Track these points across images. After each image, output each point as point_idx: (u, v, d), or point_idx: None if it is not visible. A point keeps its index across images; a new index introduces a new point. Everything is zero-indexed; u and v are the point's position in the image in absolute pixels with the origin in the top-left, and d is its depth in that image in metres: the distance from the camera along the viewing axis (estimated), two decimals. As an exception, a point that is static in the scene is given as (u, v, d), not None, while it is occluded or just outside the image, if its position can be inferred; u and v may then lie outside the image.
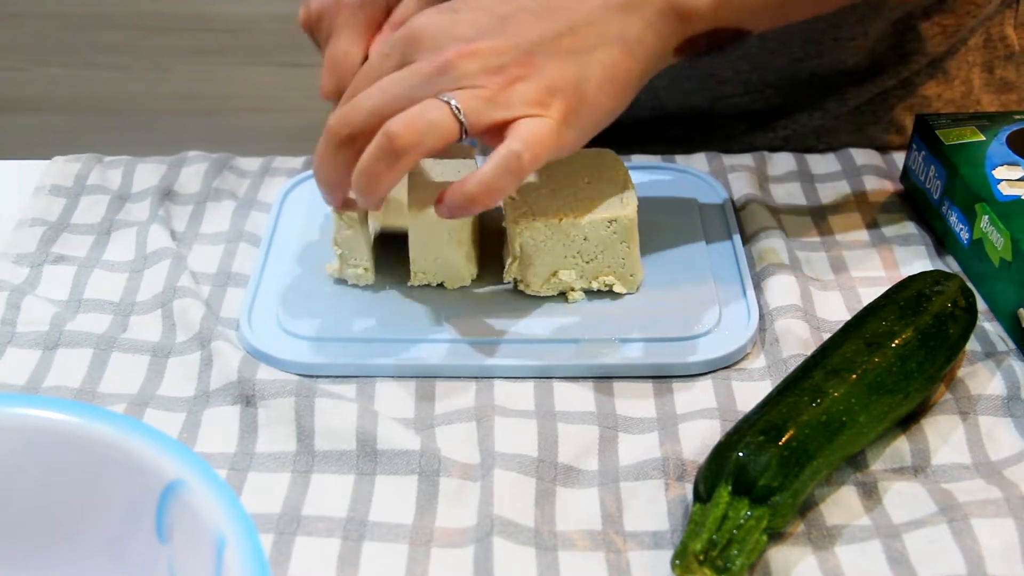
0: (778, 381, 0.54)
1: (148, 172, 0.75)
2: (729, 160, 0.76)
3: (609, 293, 0.62)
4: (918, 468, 0.53)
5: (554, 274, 0.61)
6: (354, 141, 0.54)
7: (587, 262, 0.61)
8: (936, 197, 0.68)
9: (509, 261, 0.62)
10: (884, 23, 0.76)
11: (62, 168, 0.75)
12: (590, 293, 0.63)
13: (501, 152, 0.52)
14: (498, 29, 0.55)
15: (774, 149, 0.80)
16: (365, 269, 0.63)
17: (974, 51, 0.80)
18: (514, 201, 0.62)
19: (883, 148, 0.80)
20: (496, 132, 0.54)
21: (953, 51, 0.79)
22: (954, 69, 0.80)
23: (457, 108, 0.52)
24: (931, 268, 0.63)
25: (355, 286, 0.64)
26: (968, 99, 0.82)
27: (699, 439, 0.54)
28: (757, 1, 0.60)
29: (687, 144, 0.81)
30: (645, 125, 0.82)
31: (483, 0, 0.56)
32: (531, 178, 0.58)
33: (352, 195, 0.56)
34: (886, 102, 0.80)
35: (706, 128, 0.83)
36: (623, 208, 0.60)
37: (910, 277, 0.59)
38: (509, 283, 0.63)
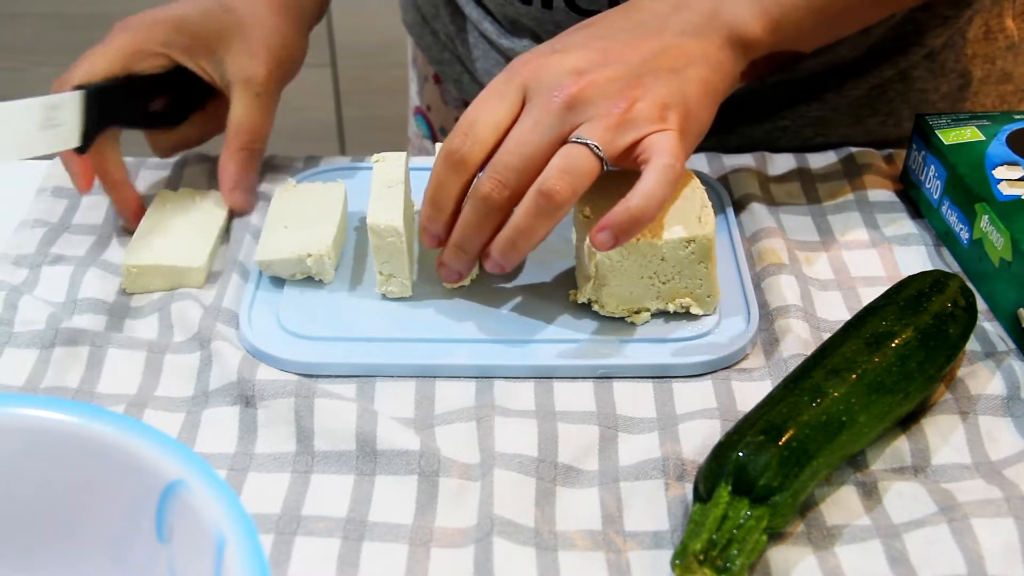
0: (778, 381, 0.54)
1: (150, 173, 0.76)
2: (729, 160, 0.76)
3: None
4: (918, 468, 0.53)
5: (636, 312, 0.60)
6: (512, 202, 0.56)
7: (664, 283, 0.60)
8: (936, 197, 0.68)
9: (582, 282, 0.61)
10: (886, 21, 0.77)
11: (63, 169, 0.75)
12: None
13: (657, 166, 0.55)
14: (603, 58, 0.58)
15: (772, 139, 0.81)
16: (405, 283, 0.62)
17: (973, 43, 0.80)
18: (589, 220, 0.61)
19: (881, 140, 0.80)
20: (627, 153, 0.57)
21: (950, 43, 0.80)
22: (951, 61, 0.80)
23: (596, 146, 0.55)
24: (931, 268, 0.63)
25: (355, 286, 0.64)
26: (966, 91, 0.82)
27: (699, 439, 0.54)
28: (808, 23, 0.64)
29: None
30: None
31: (577, 37, 0.60)
32: (607, 197, 0.58)
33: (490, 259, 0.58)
34: (884, 94, 0.80)
35: None
36: (701, 228, 0.59)
37: (910, 277, 0.59)
38: (509, 284, 0.63)
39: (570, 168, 0.55)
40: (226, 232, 0.69)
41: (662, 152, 0.55)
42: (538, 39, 0.80)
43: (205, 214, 0.69)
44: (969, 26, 0.80)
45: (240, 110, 0.69)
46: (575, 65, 0.57)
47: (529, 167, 0.56)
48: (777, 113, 0.80)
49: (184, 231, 0.67)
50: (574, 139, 0.55)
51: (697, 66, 0.59)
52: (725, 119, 0.83)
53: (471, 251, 0.59)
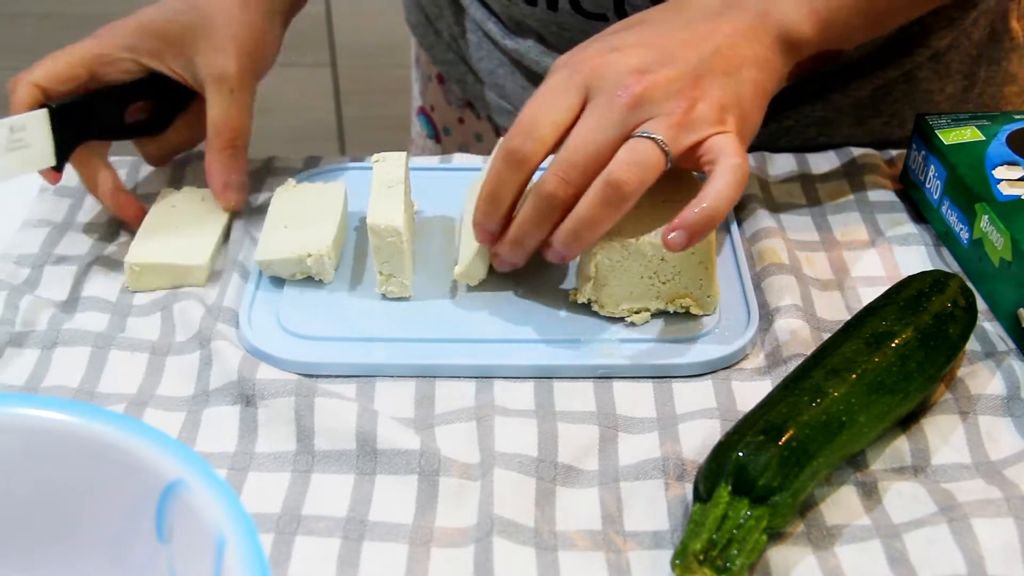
0: (778, 381, 0.54)
1: (152, 171, 0.76)
2: (729, 160, 0.76)
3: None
4: (918, 468, 0.53)
5: (636, 312, 0.60)
6: (575, 199, 0.56)
7: (664, 283, 0.60)
8: (936, 197, 0.68)
9: (582, 282, 0.61)
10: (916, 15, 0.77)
11: (66, 168, 0.75)
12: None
13: (726, 167, 0.55)
14: (663, 58, 0.58)
15: (775, 139, 0.81)
16: (405, 283, 0.62)
17: (979, 44, 0.81)
18: None
19: (884, 141, 0.80)
20: (689, 154, 0.57)
21: (955, 44, 0.80)
22: (956, 62, 0.80)
23: (663, 142, 0.55)
24: (931, 268, 0.63)
25: (355, 286, 0.64)
26: (970, 92, 0.82)
27: (699, 439, 0.54)
28: (855, 21, 0.65)
29: None
30: None
31: (632, 35, 0.60)
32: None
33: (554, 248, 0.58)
34: (888, 95, 0.80)
35: None
36: None
37: (910, 277, 0.59)
38: (509, 283, 0.63)
39: (638, 161, 0.55)
40: (228, 231, 0.69)
41: (729, 153, 0.56)
42: (542, 40, 0.80)
43: (207, 212, 0.69)
44: (975, 27, 0.80)
45: (216, 109, 0.68)
46: (636, 64, 0.57)
47: (593, 165, 0.56)
48: (781, 113, 0.80)
49: (187, 229, 0.67)
50: (640, 134, 0.56)
51: (750, 68, 0.60)
52: None
53: (529, 247, 0.59)
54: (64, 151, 0.67)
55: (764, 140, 0.80)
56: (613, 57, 0.58)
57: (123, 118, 0.70)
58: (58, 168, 0.67)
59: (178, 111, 0.73)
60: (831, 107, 0.80)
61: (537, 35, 0.80)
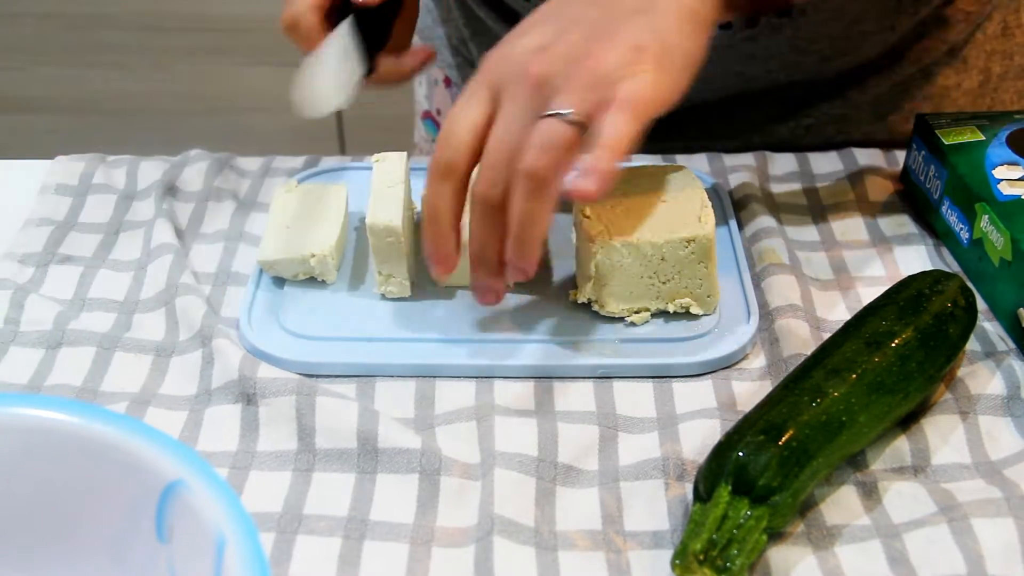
0: (778, 381, 0.54)
1: (151, 171, 0.76)
2: (730, 160, 0.76)
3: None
4: (918, 468, 0.53)
5: (636, 312, 0.60)
6: (504, 200, 0.54)
7: (664, 283, 0.60)
8: (936, 197, 0.68)
9: (582, 282, 0.61)
10: (910, 19, 0.77)
11: (66, 167, 0.75)
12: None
13: (621, 105, 0.52)
14: (565, 26, 0.55)
15: (797, 138, 0.81)
16: (404, 283, 0.62)
17: (992, 40, 0.81)
18: (588, 220, 0.60)
19: (903, 137, 0.80)
20: (607, 107, 0.53)
21: (971, 40, 0.81)
22: (972, 58, 0.81)
23: (568, 113, 0.53)
24: (931, 268, 0.63)
25: (356, 286, 0.64)
26: (986, 87, 0.83)
27: (699, 439, 0.54)
28: None
29: (708, 134, 0.81)
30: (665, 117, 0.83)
31: (534, 16, 0.58)
32: (609, 197, 0.57)
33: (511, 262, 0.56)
34: (906, 91, 0.81)
35: (725, 119, 0.83)
36: (701, 228, 0.58)
37: (910, 277, 0.59)
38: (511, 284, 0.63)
39: (545, 143, 0.52)
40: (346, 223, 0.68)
41: (626, 95, 0.53)
42: None
43: (325, 207, 0.67)
44: (988, 22, 0.80)
45: None
46: (535, 43, 0.55)
47: (513, 159, 0.54)
48: (801, 111, 0.81)
49: (309, 224, 0.66)
50: (547, 113, 0.53)
51: None
52: (751, 118, 0.84)
53: (491, 260, 0.57)
54: (372, 55, 0.65)
55: (786, 139, 0.81)
56: (515, 43, 0.56)
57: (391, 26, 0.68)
58: (368, 73, 0.65)
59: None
60: (850, 104, 0.80)
61: None
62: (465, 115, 0.56)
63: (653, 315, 0.61)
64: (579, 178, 0.51)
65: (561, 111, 0.53)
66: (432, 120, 0.98)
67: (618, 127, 0.52)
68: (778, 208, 0.71)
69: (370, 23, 0.64)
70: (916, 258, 0.67)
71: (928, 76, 0.80)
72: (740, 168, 0.75)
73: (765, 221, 0.68)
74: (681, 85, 0.56)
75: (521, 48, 0.55)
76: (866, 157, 0.76)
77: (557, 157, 0.52)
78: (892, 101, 0.81)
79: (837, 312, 0.63)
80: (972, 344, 0.60)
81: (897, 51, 0.79)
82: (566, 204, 0.59)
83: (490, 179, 0.54)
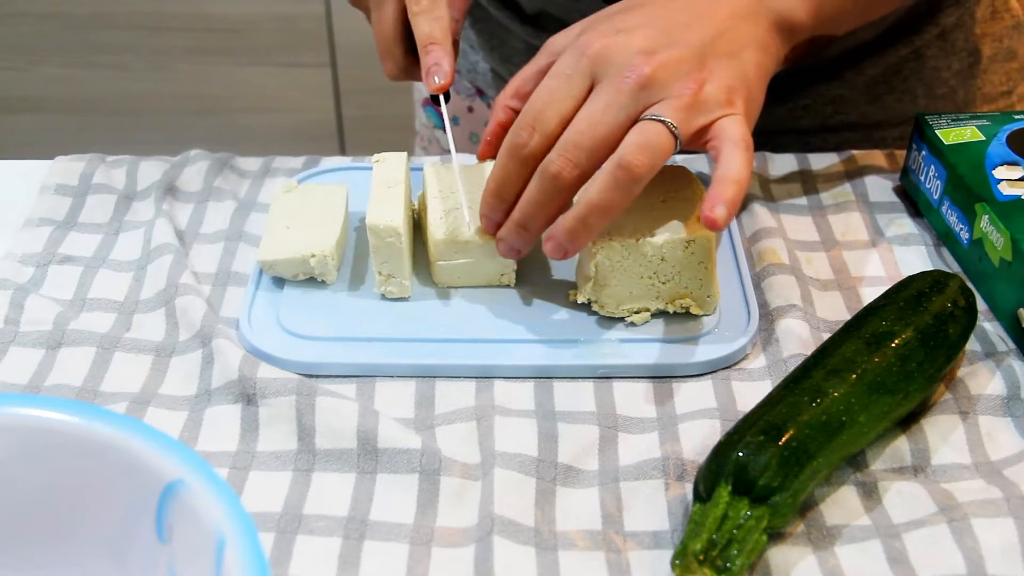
0: (778, 381, 0.54)
1: (151, 171, 0.76)
2: (729, 160, 0.76)
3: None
4: (918, 468, 0.53)
5: (636, 312, 0.60)
6: (580, 182, 0.56)
7: (664, 283, 0.60)
8: (936, 197, 0.68)
9: (582, 282, 0.61)
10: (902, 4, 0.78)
11: (66, 167, 0.75)
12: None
13: (737, 146, 0.55)
14: (668, 40, 0.57)
15: (795, 118, 0.82)
16: (404, 283, 0.62)
17: (981, 23, 0.83)
18: None
19: (898, 116, 0.82)
20: (697, 136, 0.57)
21: (960, 22, 0.82)
22: (961, 40, 0.83)
23: (672, 125, 0.55)
24: (931, 268, 0.63)
25: (356, 286, 0.64)
26: (975, 68, 0.84)
27: (699, 439, 0.54)
28: (846, 9, 0.66)
29: None
30: None
31: (634, 17, 0.59)
32: None
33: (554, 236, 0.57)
34: (899, 72, 0.83)
35: None
36: (701, 228, 0.58)
37: (910, 277, 0.59)
38: (511, 285, 0.63)
39: (648, 144, 0.54)
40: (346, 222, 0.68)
41: (737, 134, 0.56)
42: (563, 26, 0.80)
43: (325, 207, 0.67)
44: (977, 5, 0.81)
45: None
46: (643, 46, 0.57)
47: (600, 147, 0.55)
48: (799, 92, 0.82)
49: (309, 224, 0.66)
50: (649, 117, 0.55)
51: (752, 49, 0.60)
52: None
53: (533, 230, 0.58)
54: None
55: (783, 120, 0.82)
56: (620, 39, 0.57)
57: None
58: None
59: None
60: (846, 85, 0.82)
61: (558, 23, 0.79)
62: (558, 99, 0.57)
63: (653, 315, 0.61)
64: (717, 208, 0.53)
65: (664, 119, 0.55)
66: (433, 107, 0.98)
67: (741, 163, 0.55)
68: (778, 208, 0.71)
69: None
70: (916, 258, 0.67)
71: (919, 58, 0.82)
72: (740, 168, 0.75)
73: (765, 221, 0.68)
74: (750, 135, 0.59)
75: (628, 45, 0.57)
76: (866, 157, 0.76)
77: (653, 159, 0.54)
78: (886, 82, 0.83)
79: (837, 312, 0.63)
80: (972, 344, 0.60)
81: (890, 34, 0.81)
82: None
83: (570, 159, 0.56)
